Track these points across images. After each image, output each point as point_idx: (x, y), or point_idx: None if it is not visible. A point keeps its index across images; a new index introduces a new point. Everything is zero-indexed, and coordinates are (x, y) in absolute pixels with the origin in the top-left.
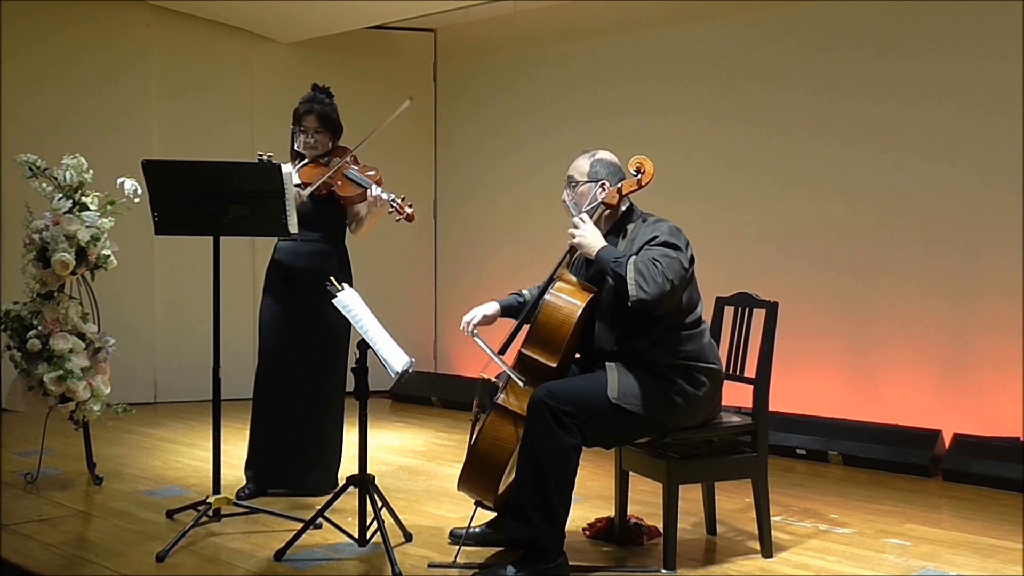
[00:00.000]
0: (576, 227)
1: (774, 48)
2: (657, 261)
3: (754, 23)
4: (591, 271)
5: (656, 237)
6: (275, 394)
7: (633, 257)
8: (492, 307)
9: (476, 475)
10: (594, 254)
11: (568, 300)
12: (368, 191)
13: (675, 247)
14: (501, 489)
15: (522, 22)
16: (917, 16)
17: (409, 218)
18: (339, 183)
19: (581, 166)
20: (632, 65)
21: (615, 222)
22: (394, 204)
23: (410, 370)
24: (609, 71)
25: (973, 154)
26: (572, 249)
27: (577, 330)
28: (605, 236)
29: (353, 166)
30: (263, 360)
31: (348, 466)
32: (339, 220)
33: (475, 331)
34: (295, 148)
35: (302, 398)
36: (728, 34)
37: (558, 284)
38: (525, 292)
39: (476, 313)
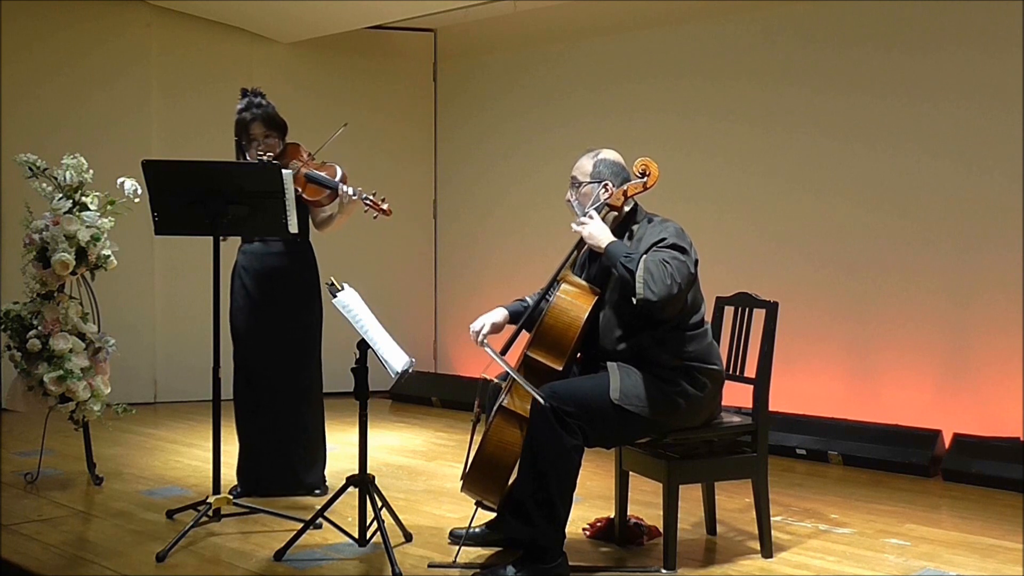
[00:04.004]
0: (585, 221)
1: (773, 47)
2: (667, 263)
3: (753, 22)
4: (594, 269)
5: (664, 239)
6: (256, 398)
7: (644, 256)
8: (500, 314)
9: (482, 477)
10: (604, 247)
11: (574, 303)
12: (339, 192)
13: (683, 250)
14: (506, 490)
15: (522, 22)
16: (918, 14)
17: (386, 213)
18: (303, 187)
19: (584, 166)
20: (632, 65)
21: (620, 223)
22: (367, 201)
23: (410, 370)
24: (609, 71)
25: (974, 153)
26: (580, 244)
27: (583, 333)
28: None
29: (312, 168)
30: (241, 365)
31: (348, 466)
32: (302, 219)
33: (485, 340)
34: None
35: (282, 399)
36: (727, 33)
37: (564, 286)
38: (528, 299)
39: (484, 321)
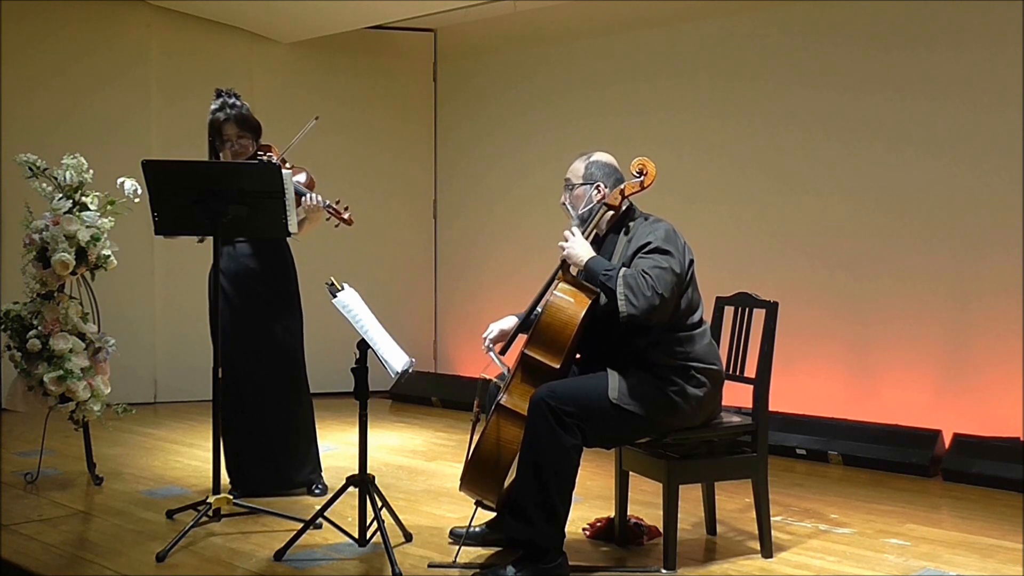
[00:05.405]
0: (566, 240)
1: (773, 46)
2: (647, 274)
3: (753, 21)
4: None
5: (649, 244)
6: (240, 399)
7: (623, 270)
8: (510, 321)
9: (479, 476)
10: (583, 264)
11: (571, 302)
12: (305, 199)
13: (667, 253)
14: (504, 489)
15: (522, 22)
16: (917, 12)
17: (348, 222)
18: None
19: (577, 169)
20: (631, 64)
21: (616, 221)
22: (331, 209)
23: (410, 370)
24: (609, 71)
25: (974, 152)
26: (563, 263)
27: (580, 331)
28: (607, 235)
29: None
30: (226, 368)
31: (348, 466)
32: None
33: (491, 346)
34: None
35: (266, 399)
36: (726, 33)
37: (561, 285)
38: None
39: (493, 328)
